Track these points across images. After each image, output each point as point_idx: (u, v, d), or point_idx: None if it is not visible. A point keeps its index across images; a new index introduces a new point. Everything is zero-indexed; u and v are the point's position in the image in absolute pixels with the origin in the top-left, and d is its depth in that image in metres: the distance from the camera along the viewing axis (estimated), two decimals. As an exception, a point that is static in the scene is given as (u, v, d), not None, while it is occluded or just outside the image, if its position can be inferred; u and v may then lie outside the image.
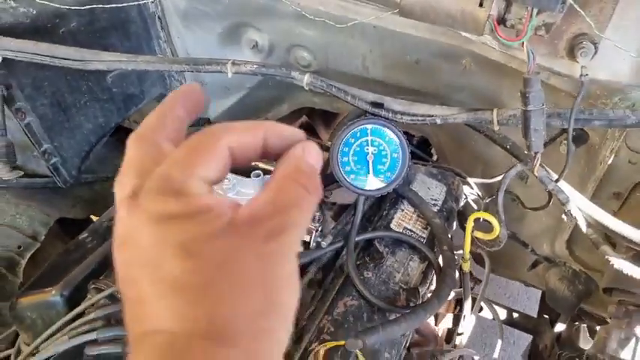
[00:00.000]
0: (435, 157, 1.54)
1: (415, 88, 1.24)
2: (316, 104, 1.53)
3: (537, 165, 0.79)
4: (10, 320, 0.99)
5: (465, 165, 1.31)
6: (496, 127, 0.86)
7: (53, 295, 0.90)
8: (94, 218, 1.55)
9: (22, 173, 1.15)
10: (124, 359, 0.69)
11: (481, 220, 0.89)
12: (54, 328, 0.80)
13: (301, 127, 1.80)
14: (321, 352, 0.75)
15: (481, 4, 0.73)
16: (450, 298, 1.19)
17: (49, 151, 1.19)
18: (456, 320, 1.12)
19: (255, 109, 1.59)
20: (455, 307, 1.16)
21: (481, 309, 1.40)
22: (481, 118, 0.87)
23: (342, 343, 0.75)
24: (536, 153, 0.78)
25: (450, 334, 1.12)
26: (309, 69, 1.35)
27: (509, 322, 1.40)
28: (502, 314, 1.39)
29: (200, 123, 1.26)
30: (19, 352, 0.94)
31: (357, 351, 0.73)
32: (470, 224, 0.87)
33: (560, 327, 1.22)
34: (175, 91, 0.40)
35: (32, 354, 0.82)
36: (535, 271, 1.25)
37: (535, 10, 0.72)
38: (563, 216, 0.84)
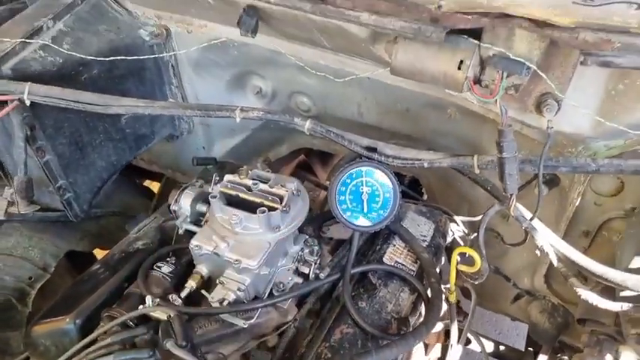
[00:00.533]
0: (425, 197, 1.64)
1: (406, 133, 1.35)
2: (314, 145, 1.64)
3: (513, 205, 0.89)
4: (23, 348, 1.04)
5: (452, 204, 1.41)
6: (477, 171, 0.96)
7: (67, 323, 0.96)
8: (100, 252, 1.62)
9: (38, 207, 1.23)
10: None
11: (466, 255, 0.98)
12: (70, 353, 0.86)
13: (299, 165, 1.90)
14: (320, 375, 0.82)
15: (459, 68, 0.85)
16: (439, 329, 1.27)
17: (64, 187, 1.27)
18: (444, 350, 1.19)
19: (257, 149, 1.69)
20: (445, 339, 1.23)
21: (470, 342, 1.47)
22: (463, 163, 0.97)
23: (338, 367, 0.82)
24: (511, 195, 0.88)
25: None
26: (308, 113, 1.46)
27: (497, 354, 1.47)
28: (490, 347, 1.46)
29: (208, 162, 1.36)
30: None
31: (353, 374, 0.80)
32: (454, 258, 0.96)
33: (542, 358, 1.29)
34: None
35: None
36: (518, 305, 1.33)
37: (505, 74, 0.84)
38: (537, 251, 0.93)
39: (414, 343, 0.88)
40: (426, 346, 1.22)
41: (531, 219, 0.93)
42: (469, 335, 1.44)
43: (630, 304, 0.82)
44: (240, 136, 1.67)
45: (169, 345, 0.79)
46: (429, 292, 1.03)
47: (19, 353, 1.18)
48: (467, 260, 0.98)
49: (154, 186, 2.07)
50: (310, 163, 1.91)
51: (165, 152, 1.75)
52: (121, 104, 1.12)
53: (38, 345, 0.96)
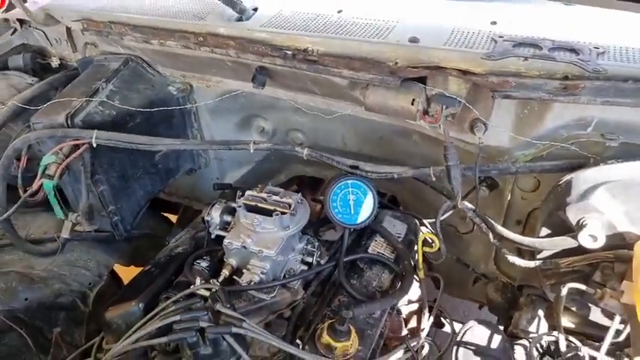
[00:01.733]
0: (401, 208, 1.99)
1: (381, 157, 1.71)
2: (307, 172, 2.00)
3: (459, 201, 1.25)
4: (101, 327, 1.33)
5: (421, 211, 1.75)
6: (433, 178, 1.32)
7: (133, 306, 1.27)
8: (136, 269, 1.92)
9: (96, 227, 1.55)
10: (201, 333, 1.06)
11: (430, 240, 1.32)
12: (144, 320, 1.17)
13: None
14: (325, 325, 1.14)
15: (412, 104, 1.23)
16: (414, 308, 1.59)
17: (113, 212, 1.60)
18: (419, 320, 1.50)
19: (260, 178, 2.04)
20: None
21: (443, 325, 1.79)
22: (423, 173, 1.33)
23: (337, 319, 1.14)
24: (458, 193, 1.24)
25: (414, 332, 1.50)
26: (302, 145, 1.83)
27: (467, 334, 1.79)
28: (459, 328, 1.78)
29: (225, 187, 1.70)
30: (99, 348, 1.29)
31: (349, 324, 1.12)
32: (420, 241, 1.31)
33: (499, 328, 1.61)
34: None
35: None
36: (478, 287, 1.66)
37: (444, 106, 1.21)
38: (479, 233, 1.28)
39: (393, 301, 1.21)
40: (406, 321, 1.54)
41: (474, 211, 1.28)
42: (442, 320, 1.77)
43: (541, 262, 1.16)
44: (246, 168, 2.02)
45: (219, 307, 1.11)
46: (403, 271, 1.36)
47: (81, 345, 1.48)
48: (430, 244, 1.32)
49: (172, 217, 2.40)
50: (301, 190, 2.26)
51: (184, 184, 2.09)
52: (163, 143, 1.47)
53: (112, 324, 1.26)
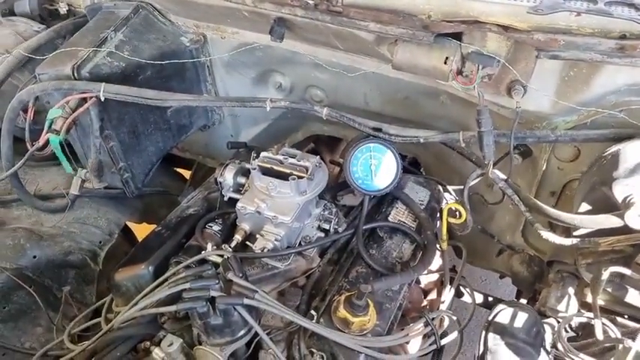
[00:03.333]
0: (423, 172, 1.90)
1: (405, 118, 1.60)
2: (325, 132, 1.90)
3: (490, 169, 1.15)
4: (109, 288, 1.30)
5: (445, 177, 1.66)
6: (462, 145, 1.22)
7: (143, 269, 1.23)
8: (148, 226, 1.89)
9: (106, 184, 1.50)
10: (212, 303, 1.01)
11: (454, 209, 1.24)
12: (153, 285, 1.13)
13: (309, 151, 2.16)
14: (342, 298, 1.09)
15: (445, 62, 1.11)
16: (435, 279, 1.53)
17: (124, 168, 1.54)
18: (439, 292, 1.45)
19: (276, 136, 1.95)
20: (440, 286, 1.49)
21: (462, 295, 1.73)
22: (451, 138, 1.23)
23: (354, 293, 1.08)
24: (489, 161, 1.14)
25: (434, 304, 1.45)
26: (321, 104, 1.72)
27: (485, 304, 1.73)
28: (480, 299, 1.72)
29: (240, 146, 1.61)
30: (109, 309, 1.27)
31: (367, 298, 1.06)
32: (445, 212, 1.22)
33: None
34: None
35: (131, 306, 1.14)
36: (501, 258, 1.59)
37: (480, 66, 1.09)
38: (510, 206, 1.18)
39: (414, 276, 1.14)
40: (425, 292, 1.49)
41: (506, 180, 1.18)
42: (462, 289, 1.71)
43: (579, 240, 1.07)
44: (262, 125, 1.93)
45: (230, 275, 1.06)
46: (425, 242, 1.29)
47: (92, 303, 1.46)
48: (455, 215, 1.24)
49: (184, 172, 2.35)
50: (318, 149, 2.17)
51: (198, 141, 2.02)
52: (175, 98, 1.38)
53: (121, 287, 1.23)
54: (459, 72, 1.13)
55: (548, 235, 1.11)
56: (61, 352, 1.32)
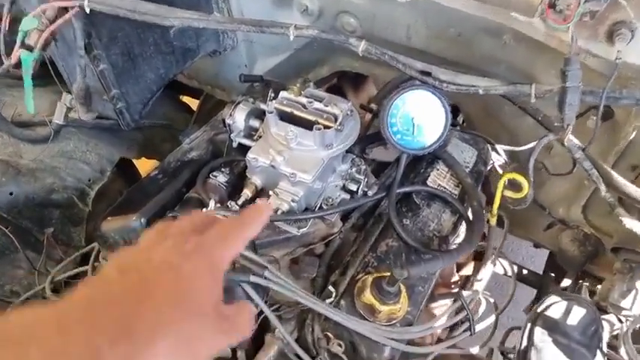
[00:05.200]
0: (461, 119, 1.65)
1: (453, 60, 1.33)
2: (355, 68, 1.63)
3: (568, 135, 0.91)
4: (90, 242, 1.14)
5: (492, 133, 1.41)
6: (533, 100, 0.97)
7: (134, 221, 1.04)
8: (146, 161, 1.69)
9: (96, 115, 1.28)
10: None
11: (515, 181, 1.01)
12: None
13: (332, 88, 1.90)
14: (369, 280, 0.90)
15: (535, -10, 0.83)
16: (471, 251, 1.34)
17: (117, 97, 1.31)
18: (476, 269, 1.26)
19: (297, 69, 1.69)
20: (475, 259, 1.30)
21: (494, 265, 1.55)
22: (520, 91, 0.98)
23: (386, 274, 0.89)
24: (568, 125, 0.90)
25: (467, 281, 1.26)
26: (353, 34, 1.44)
27: (518, 277, 1.55)
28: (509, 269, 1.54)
29: (254, 79, 1.37)
30: (97, 257, 1.10)
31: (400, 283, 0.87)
32: (502, 183, 1.00)
33: (565, 283, 1.36)
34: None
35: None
36: (549, 233, 1.38)
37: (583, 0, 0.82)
38: (586, 181, 0.96)
39: (457, 258, 0.94)
40: (458, 265, 1.30)
41: (584, 149, 0.94)
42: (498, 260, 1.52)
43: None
44: (282, 55, 1.66)
45: (235, 245, 0.86)
46: (470, 213, 1.08)
47: (80, 247, 1.29)
48: (513, 186, 1.01)
49: (192, 102, 2.10)
50: (342, 87, 1.91)
51: (207, 68, 1.76)
52: (177, 16, 1.12)
53: (108, 238, 1.04)
54: (552, 5, 0.85)
55: (634, 224, 0.89)
56: (43, 301, 1.18)
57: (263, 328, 0.94)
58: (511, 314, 1.35)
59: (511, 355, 1.36)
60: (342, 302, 0.92)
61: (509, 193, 1.01)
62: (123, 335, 0.38)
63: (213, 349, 0.45)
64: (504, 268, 1.54)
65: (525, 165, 1.01)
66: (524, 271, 1.56)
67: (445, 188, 1.14)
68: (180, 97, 2.07)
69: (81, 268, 1.19)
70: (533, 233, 1.44)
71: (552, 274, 1.51)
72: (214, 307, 0.47)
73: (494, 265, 1.20)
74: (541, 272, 1.66)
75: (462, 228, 1.12)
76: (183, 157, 1.20)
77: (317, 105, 1.04)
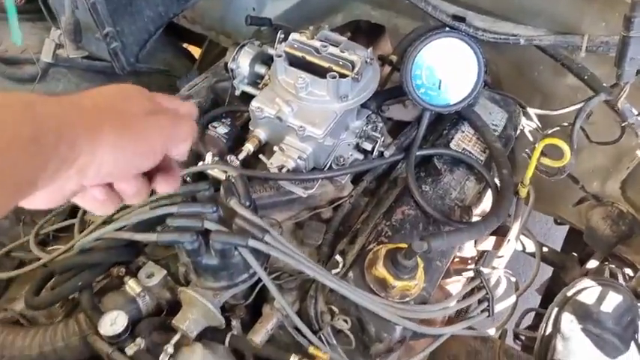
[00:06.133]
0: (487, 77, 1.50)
1: (486, 9, 1.18)
2: (373, 18, 1.48)
3: (624, 96, 0.78)
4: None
5: (522, 95, 1.28)
6: (583, 54, 0.84)
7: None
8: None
9: (86, 53, 1.15)
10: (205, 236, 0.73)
11: (555, 147, 0.89)
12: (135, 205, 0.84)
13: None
14: (383, 251, 0.79)
15: None
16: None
17: (111, 35, 1.17)
18: (497, 244, 1.16)
19: (310, 17, 1.53)
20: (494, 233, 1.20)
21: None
22: (569, 43, 0.84)
23: (402, 245, 0.78)
24: (625, 83, 0.77)
25: (485, 256, 1.17)
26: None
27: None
28: (531, 247, 1.43)
29: (262, 22, 1.23)
30: (82, 222, 1.00)
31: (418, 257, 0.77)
32: (539, 149, 0.87)
33: (593, 264, 1.26)
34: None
35: (105, 222, 0.87)
36: (578, 209, 1.27)
37: None
38: (638, 152, 0.83)
39: (484, 232, 0.83)
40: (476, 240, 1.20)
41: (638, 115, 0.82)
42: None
43: None
44: (292, 0, 1.51)
45: (233, 203, 0.75)
46: (497, 183, 0.96)
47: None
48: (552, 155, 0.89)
49: (194, 51, 1.96)
50: (355, 42, 1.76)
51: (211, 11, 1.61)
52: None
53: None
54: None
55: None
56: (27, 254, 1.09)
57: (261, 298, 0.85)
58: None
59: (523, 338, 1.28)
60: (351, 274, 0.82)
61: (546, 161, 0.89)
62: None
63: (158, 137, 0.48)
64: (522, 244, 1.44)
65: (567, 131, 0.89)
66: (544, 249, 1.46)
67: (471, 153, 1.02)
68: (182, 44, 1.92)
69: (68, 222, 1.10)
70: (560, 209, 1.32)
71: (575, 255, 1.41)
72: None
73: (518, 241, 1.10)
74: (559, 247, 1.56)
75: (487, 198, 1.01)
76: (180, 104, 1.08)
77: (332, 50, 0.91)
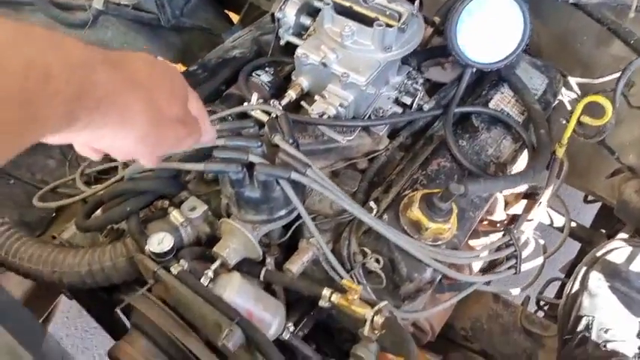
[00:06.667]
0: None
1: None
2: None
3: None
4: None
5: (562, 67, 1.28)
6: (632, 14, 0.83)
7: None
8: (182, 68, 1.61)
9: (135, 1, 1.19)
10: (249, 170, 0.77)
11: (597, 105, 0.89)
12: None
13: None
14: (418, 195, 0.81)
15: None
16: (522, 189, 1.24)
17: (160, -13, 1.22)
18: (528, 208, 1.17)
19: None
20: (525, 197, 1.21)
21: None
22: (618, 1, 0.84)
23: (436, 190, 0.80)
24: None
25: (515, 220, 1.17)
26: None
27: (563, 230, 1.44)
28: (558, 222, 1.44)
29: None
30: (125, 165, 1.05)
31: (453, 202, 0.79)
32: (581, 105, 0.88)
33: (622, 236, 1.25)
34: None
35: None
36: (610, 181, 1.26)
37: None
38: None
39: (520, 183, 0.85)
40: (506, 203, 1.21)
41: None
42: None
43: None
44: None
45: (277, 139, 0.79)
46: (534, 142, 0.97)
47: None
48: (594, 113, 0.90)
49: (234, 18, 1.99)
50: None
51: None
52: None
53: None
54: None
55: None
56: (72, 190, 1.15)
57: (296, 234, 0.88)
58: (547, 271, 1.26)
59: (546, 307, 1.29)
60: (385, 216, 0.85)
61: (586, 119, 0.90)
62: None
63: (175, 138, 0.48)
64: (550, 217, 1.44)
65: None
66: (572, 224, 1.45)
67: (509, 114, 1.03)
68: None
69: (111, 164, 1.15)
70: (591, 181, 1.32)
71: (604, 231, 1.41)
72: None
73: (549, 205, 1.10)
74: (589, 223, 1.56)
75: (522, 159, 1.02)
76: (225, 54, 1.12)
77: (379, 0, 0.93)
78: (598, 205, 1.61)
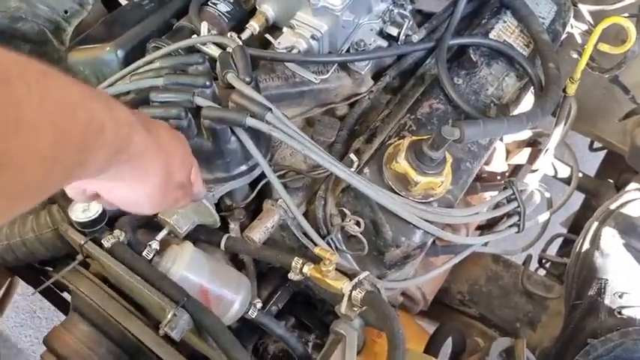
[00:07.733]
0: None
1: None
2: None
3: None
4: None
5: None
6: None
7: (108, 53, 0.81)
8: None
9: None
10: (196, 116, 0.62)
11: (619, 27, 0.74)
12: (114, 78, 0.73)
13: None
14: (405, 143, 0.67)
15: None
16: (525, 137, 1.10)
17: None
18: (532, 157, 1.04)
19: None
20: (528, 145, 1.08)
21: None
22: None
23: (426, 137, 0.66)
24: None
25: (518, 171, 1.04)
26: None
27: (568, 181, 1.32)
28: (563, 172, 1.31)
29: None
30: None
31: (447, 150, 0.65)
32: (598, 30, 0.73)
33: (633, 186, 1.13)
34: None
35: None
36: (622, 125, 1.13)
37: None
38: None
39: (526, 125, 0.70)
40: (507, 151, 1.07)
41: None
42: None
43: None
44: None
45: (230, 77, 0.63)
46: (542, 78, 0.82)
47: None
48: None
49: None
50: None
51: None
52: None
53: (77, 72, 0.83)
54: None
55: None
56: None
57: (262, 194, 0.74)
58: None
59: (548, 265, 1.18)
60: (366, 170, 0.71)
61: (604, 47, 0.75)
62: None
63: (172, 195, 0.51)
64: (554, 168, 1.31)
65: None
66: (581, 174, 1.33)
67: (512, 46, 0.87)
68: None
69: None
70: (599, 126, 1.18)
71: (611, 181, 1.28)
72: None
73: (555, 154, 0.97)
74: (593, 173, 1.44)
75: (527, 99, 0.88)
76: (177, -20, 0.94)
77: None
78: (602, 154, 1.49)
